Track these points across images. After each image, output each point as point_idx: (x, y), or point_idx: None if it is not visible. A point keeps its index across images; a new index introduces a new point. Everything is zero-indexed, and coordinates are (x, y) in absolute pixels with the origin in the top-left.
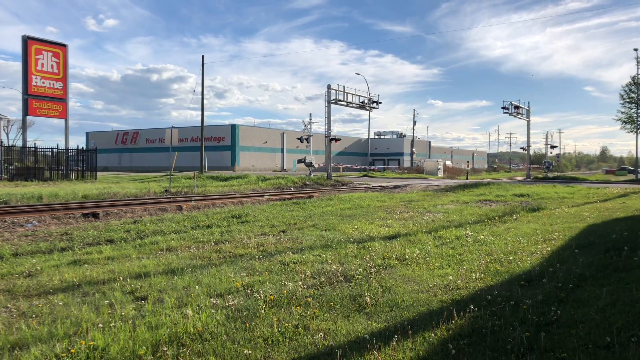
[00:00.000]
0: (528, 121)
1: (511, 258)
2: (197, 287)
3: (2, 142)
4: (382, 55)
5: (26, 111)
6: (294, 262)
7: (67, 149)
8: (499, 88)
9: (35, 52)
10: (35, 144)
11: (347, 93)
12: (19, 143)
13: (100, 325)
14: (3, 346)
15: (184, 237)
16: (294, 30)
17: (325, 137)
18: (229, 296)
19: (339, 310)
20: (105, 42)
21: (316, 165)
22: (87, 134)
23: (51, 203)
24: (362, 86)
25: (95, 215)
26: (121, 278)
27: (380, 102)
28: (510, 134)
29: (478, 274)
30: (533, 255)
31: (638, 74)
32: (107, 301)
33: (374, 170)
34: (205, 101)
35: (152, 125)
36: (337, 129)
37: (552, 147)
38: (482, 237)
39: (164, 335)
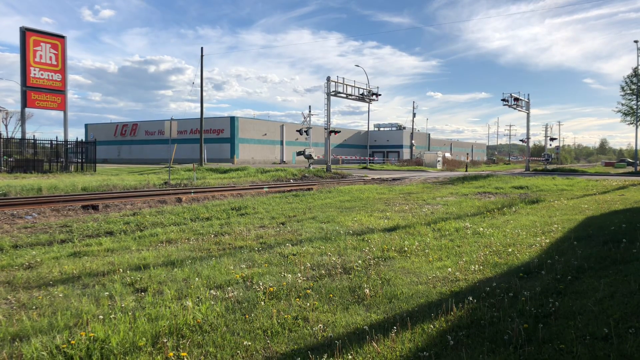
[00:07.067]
0: (528, 113)
1: (510, 250)
2: (196, 279)
3: (0, 134)
4: (380, 46)
5: (25, 103)
6: (293, 254)
7: (66, 141)
8: (498, 80)
9: (34, 44)
10: (34, 136)
11: (346, 85)
12: (18, 135)
13: (101, 316)
14: (4, 337)
15: (184, 229)
16: (291, 21)
17: (325, 129)
18: (229, 288)
19: (338, 302)
20: (102, 33)
21: (315, 158)
22: (86, 126)
23: (50, 195)
24: (361, 78)
25: (95, 208)
26: (121, 270)
27: (379, 94)
28: (510, 126)
29: (477, 266)
30: (532, 247)
31: (639, 66)
32: (107, 293)
33: (373, 163)
34: (204, 93)
35: (150, 117)
36: (336, 121)
37: (552, 139)
38: (481, 229)
39: (163, 326)
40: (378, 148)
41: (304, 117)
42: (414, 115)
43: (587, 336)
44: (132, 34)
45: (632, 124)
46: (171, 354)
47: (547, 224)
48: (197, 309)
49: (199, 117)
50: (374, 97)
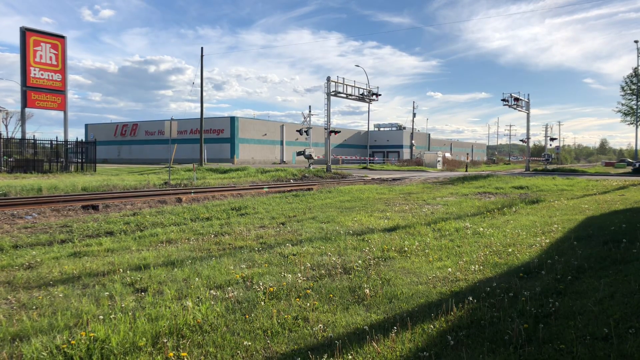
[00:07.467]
0: (528, 113)
1: (510, 250)
2: (196, 279)
3: (1, 134)
4: (380, 46)
5: (25, 103)
6: (293, 254)
7: (66, 141)
8: (498, 80)
9: (34, 44)
10: (34, 136)
11: (346, 85)
12: (18, 135)
13: (101, 316)
14: (4, 337)
15: (184, 229)
16: (291, 21)
17: (325, 129)
18: (229, 288)
19: (338, 302)
20: (102, 33)
21: (315, 158)
22: (86, 126)
23: (51, 195)
24: (361, 78)
25: (95, 208)
26: (121, 270)
27: (379, 94)
28: (510, 126)
29: (477, 266)
30: (532, 247)
31: (639, 66)
32: (107, 293)
33: (373, 163)
34: (204, 93)
35: (150, 118)
36: (336, 121)
37: (552, 139)
38: (481, 229)
39: (164, 326)
40: (378, 148)
41: (304, 117)
42: (414, 115)
43: (587, 336)
44: (132, 34)
45: (632, 124)
46: (171, 354)
47: (547, 224)
48: (197, 309)
49: (199, 117)
50: (374, 97)
